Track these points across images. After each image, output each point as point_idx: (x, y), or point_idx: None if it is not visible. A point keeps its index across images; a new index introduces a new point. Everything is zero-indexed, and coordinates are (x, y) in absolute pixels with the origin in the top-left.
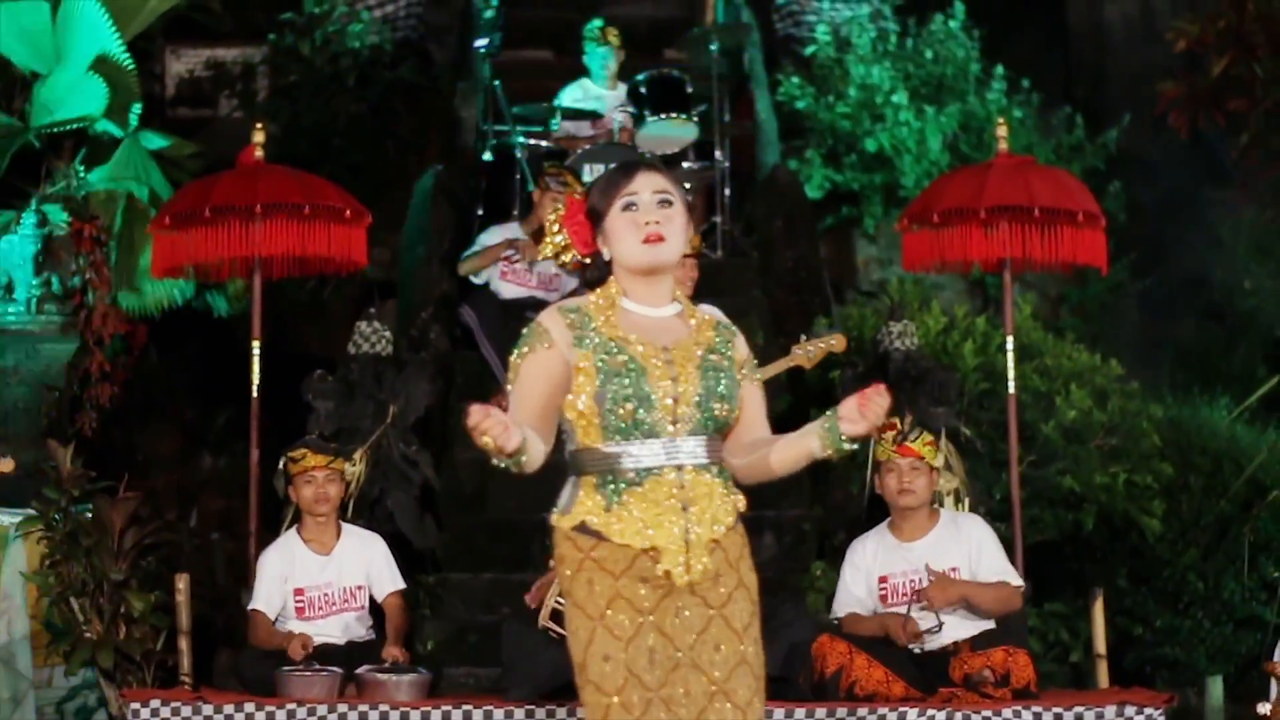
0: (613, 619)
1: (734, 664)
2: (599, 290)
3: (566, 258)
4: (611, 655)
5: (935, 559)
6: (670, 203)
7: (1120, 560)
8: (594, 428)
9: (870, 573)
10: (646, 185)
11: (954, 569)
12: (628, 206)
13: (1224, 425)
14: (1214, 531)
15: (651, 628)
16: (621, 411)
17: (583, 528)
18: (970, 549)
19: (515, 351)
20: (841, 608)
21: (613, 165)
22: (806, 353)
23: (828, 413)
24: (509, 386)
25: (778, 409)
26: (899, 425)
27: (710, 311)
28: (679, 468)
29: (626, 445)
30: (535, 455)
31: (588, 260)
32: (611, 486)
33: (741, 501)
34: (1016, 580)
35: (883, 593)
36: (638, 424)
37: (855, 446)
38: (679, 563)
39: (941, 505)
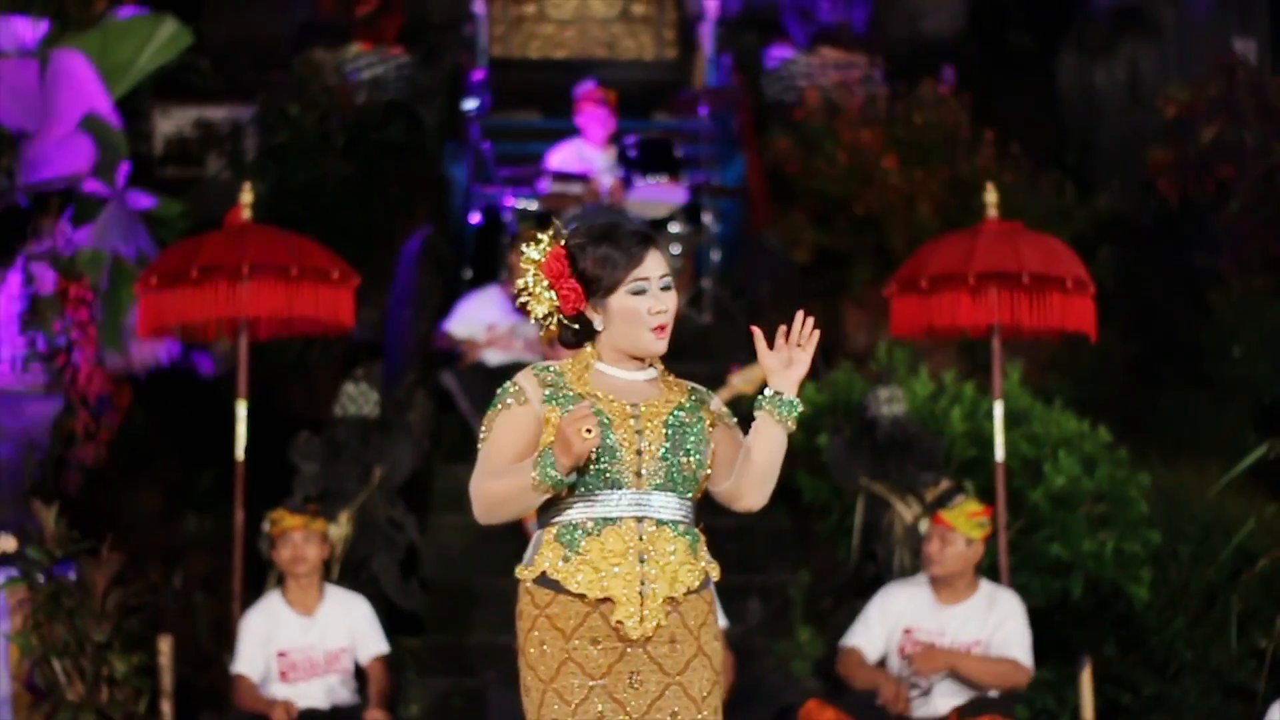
0: (563, 683)
1: None
2: (574, 357)
3: (551, 323)
4: None
5: (964, 629)
6: (670, 287)
7: (1108, 628)
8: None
9: (899, 619)
10: (656, 269)
11: (976, 642)
12: (639, 291)
13: (1212, 493)
14: (1202, 600)
15: (602, 693)
16: (585, 462)
17: (542, 579)
18: (995, 622)
19: (490, 409)
20: (852, 638)
21: (614, 225)
22: (745, 378)
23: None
24: (480, 442)
25: None
26: (985, 512)
27: (687, 382)
28: (640, 520)
29: (589, 496)
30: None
31: (564, 320)
32: (570, 537)
33: (715, 569)
34: (1026, 661)
35: (902, 644)
36: (600, 474)
37: (795, 406)
38: (633, 614)
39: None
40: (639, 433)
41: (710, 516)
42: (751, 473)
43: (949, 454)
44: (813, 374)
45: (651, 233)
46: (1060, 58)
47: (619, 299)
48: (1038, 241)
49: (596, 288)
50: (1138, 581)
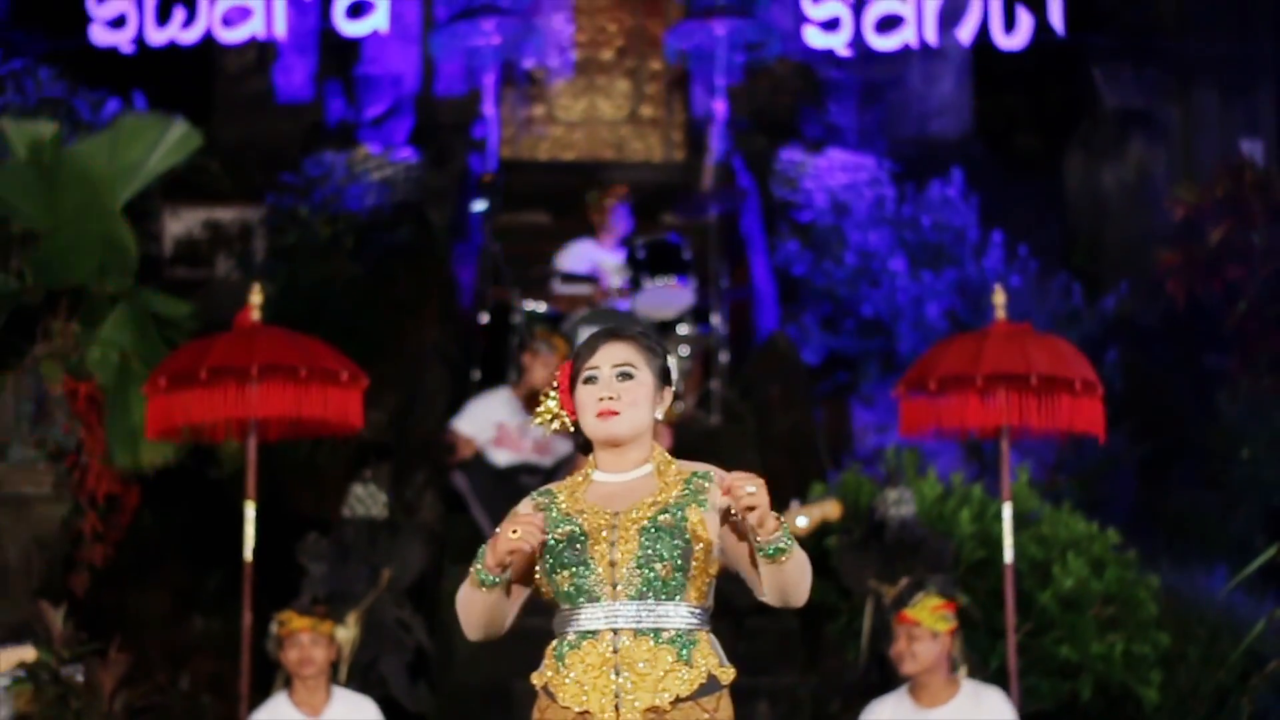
0: None
1: None
2: (581, 469)
3: (556, 425)
4: None
5: None
6: (630, 375)
7: None
8: (554, 594)
9: None
10: (608, 359)
11: None
12: (587, 380)
13: (1222, 595)
14: (1212, 702)
15: None
16: (562, 577)
17: (544, 687)
18: None
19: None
20: None
21: (601, 330)
22: (807, 515)
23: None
24: None
25: None
26: (947, 606)
27: (692, 466)
28: (615, 631)
29: (573, 609)
30: (504, 611)
31: (573, 428)
32: (560, 650)
33: (726, 674)
34: None
35: None
36: (579, 589)
37: (778, 541)
38: None
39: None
40: (612, 544)
41: (715, 619)
42: (768, 590)
43: (958, 556)
44: (820, 476)
45: (624, 328)
46: (1068, 159)
47: (577, 392)
48: (1046, 343)
49: (571, 389)
50: (1147, 684)
